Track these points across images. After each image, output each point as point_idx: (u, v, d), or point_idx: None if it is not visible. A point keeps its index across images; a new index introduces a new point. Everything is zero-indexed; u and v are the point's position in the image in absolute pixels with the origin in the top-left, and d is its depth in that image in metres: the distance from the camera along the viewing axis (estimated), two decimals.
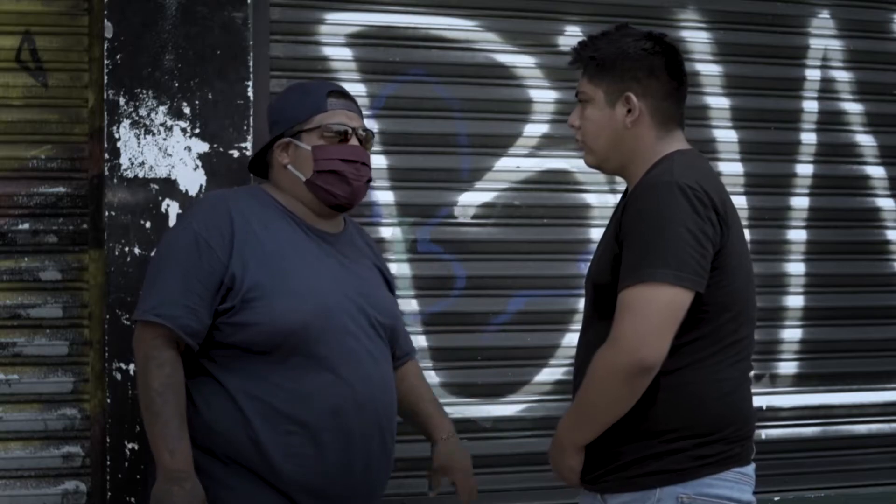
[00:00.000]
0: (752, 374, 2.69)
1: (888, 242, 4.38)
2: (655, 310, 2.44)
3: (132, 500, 3.50)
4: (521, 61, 4.06)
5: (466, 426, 3.95)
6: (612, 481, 2.60)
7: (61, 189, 3.64)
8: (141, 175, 3.58)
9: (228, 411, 2.78)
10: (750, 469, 2.61)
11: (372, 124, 3.89)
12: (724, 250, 2.53)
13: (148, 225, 3.57)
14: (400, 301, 3.87)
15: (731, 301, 2.55)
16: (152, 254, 3.03)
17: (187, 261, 2.80)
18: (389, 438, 2.94)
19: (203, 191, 3.60)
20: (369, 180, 3.04)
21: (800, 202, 4.30)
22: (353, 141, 2.97)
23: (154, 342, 2.78)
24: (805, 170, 4.31)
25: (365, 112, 3.85)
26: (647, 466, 2.54)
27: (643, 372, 2.45)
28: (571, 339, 4.05)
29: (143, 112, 3.59)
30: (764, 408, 4.15)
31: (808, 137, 4.32)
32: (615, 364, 2.46)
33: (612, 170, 2.76)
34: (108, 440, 3.52)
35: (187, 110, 3.62)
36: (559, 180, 4.09)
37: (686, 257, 2.44)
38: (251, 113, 3.63)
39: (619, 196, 4.08)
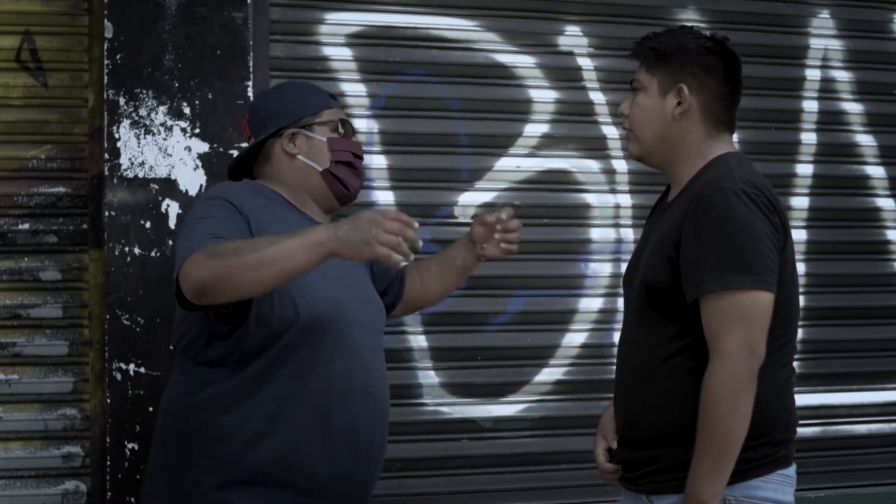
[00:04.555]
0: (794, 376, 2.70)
1: (888, 242, 4.38)
2: (757, 315, 2.48)
3: (132, 500, 3.50)
4: (521, 61, 4.06)
5: (466, 426, 3.96)
6: (658, 483, 2.61)
7: (61, 189, 3.64)
8: (141, 175, 3.59)
9: (238, 407, 2.77)
10: (792, 470, 2.62)
11: (372, 124, 3.91)
12: (782, 255, 2.56)
13: (148, 225, 3.57)
14: None
15: (782, 304, 2.56)
16: (182, 224, 2.86)
17: (225, 214, 2.73)
18: (386, 429, 2.97)
19: (203, 191, 3.60)
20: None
21: (800, 202, 4.30)
22: (355, 139, 3.06)
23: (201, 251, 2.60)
24: (805, 170, 4.31)
25: (365, 112, 3.88)
26: None
27: (756, 374, 2.47)
28: (571, 339, 4.06)
29: (143, 112, 3.59)
30: None
31: (808, 137, 4.32)
32: (736, 375, 2.45)
33: (657, 163, 2.76)
34: (108, 440, 3.52)
35: (187, 110, 3.62)
36: (559, 180, 4.09)
37: (767, 261, 2.49)
38: (248, 112, 3.62)
39: (619, 196, 4.12)
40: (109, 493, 3.52)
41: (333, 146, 2.96)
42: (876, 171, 4.37)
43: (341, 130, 3.00)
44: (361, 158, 3.04)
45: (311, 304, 2.79)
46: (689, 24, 4.08)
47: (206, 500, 2.74)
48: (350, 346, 2.85)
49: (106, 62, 3.57)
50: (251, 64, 3.69)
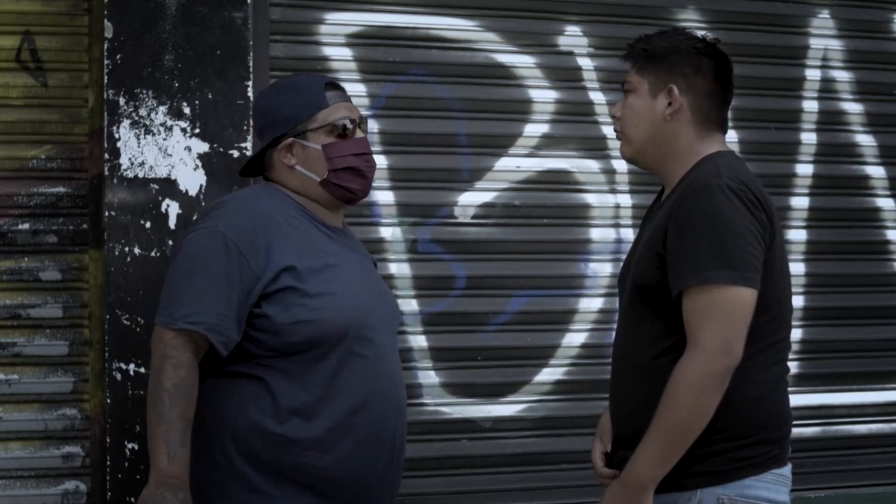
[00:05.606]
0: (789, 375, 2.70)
1: (888, 242, 4.39)
2: (736, 312, 2.47)
3: (132, 500, 3.50)
4: (521, 61, 4.06)
5: (466, 426, 3.96)
6: None
7: (61, 189, 3.64)
8: (141, 175, 3.59)
9: (264, 411, 2.74)
10: (787, 470, 2.62)
11: (372, 124, 3.90)
12: (770, 252, 2.55)
13: (148, 225, 3.57)
14: (400, 301, 3.89)
15: (771, 302, 2.56)
16: (176, 255, 2.84)
17: (218, 267, 2.71)
18: (405, 432, 2.94)
19: (203, 191, 3.60)
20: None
21: (800, 202, 4.30)
22: (358, 133, 2.92)
23: (174, 342, 2.68)
24: (805, 170, 4.31)
25: (365, 112, 3.87)
26: (688, 468, 2.53)
27: (729, 374, 2.47)
28: (571, 339, 4.06)
29: (143, 112, 3.59)
30: None
31: (808, 137, 4.32)
32: (708, 370, 2.45)
33: (649, 164, 2.76)
34: (108, 440, 3.52)
35: (187, 110, 3.62)
36: (559, 180, 4.09)
37: (749, 257, 2.48)
38: (251, 113, 3.62)
39: (619, 196, 4.12)
40: (109, 493, 3.52)
41: (330, 153, 2.86)
42: (876, 171, 4.38)
43: (342, 124, 2.88)
44: (367, 154, 2.91)
45: (344, 310, 2.77)
46: (689, 24, 4.13)
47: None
48: (377, 350, 2.83)
49: (106, 62, 3.56)
50: (251, 64, 3.69)
